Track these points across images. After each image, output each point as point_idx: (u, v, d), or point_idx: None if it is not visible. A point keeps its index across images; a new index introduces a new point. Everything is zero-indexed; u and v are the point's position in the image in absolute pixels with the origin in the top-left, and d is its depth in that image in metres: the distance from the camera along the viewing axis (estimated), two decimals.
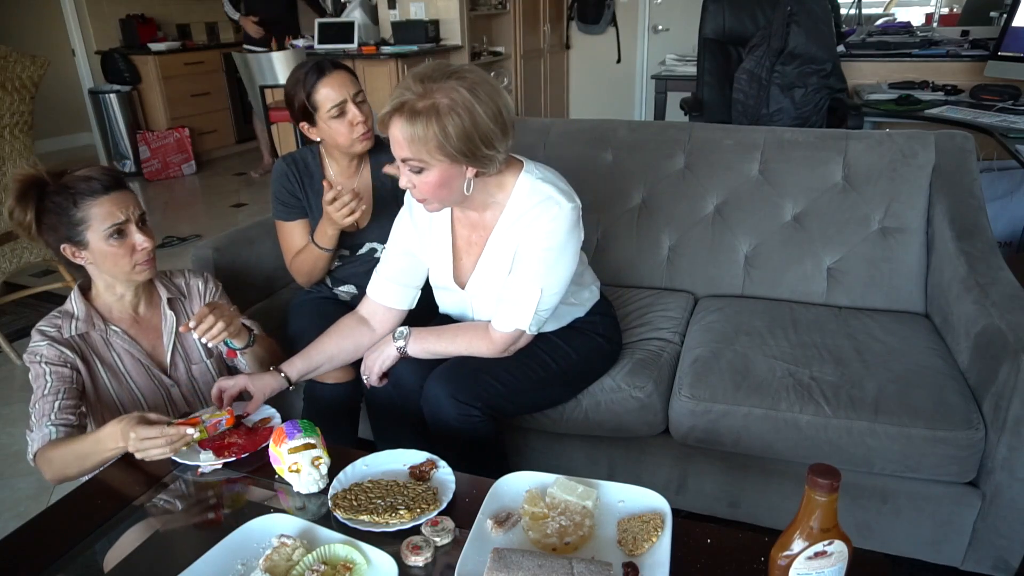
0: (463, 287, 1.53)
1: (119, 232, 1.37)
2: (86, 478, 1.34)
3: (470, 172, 1.32)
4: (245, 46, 5.25)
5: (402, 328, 1.51)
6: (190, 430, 1.23)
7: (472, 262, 1.50)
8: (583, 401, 1.62)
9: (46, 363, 1.37)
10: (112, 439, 1.23)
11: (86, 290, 1.47)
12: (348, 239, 1.79)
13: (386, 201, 1.80)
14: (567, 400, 1.62)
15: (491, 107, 1.27)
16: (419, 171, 1.30)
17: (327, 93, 1.64)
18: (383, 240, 1.80)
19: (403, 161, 1.30)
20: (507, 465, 1.53)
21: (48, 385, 1.35)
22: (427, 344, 1.50)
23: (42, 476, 1.34)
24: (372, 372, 1.52)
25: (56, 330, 1.40)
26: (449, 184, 1.32)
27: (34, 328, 1.40)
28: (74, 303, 1.44)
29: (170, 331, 1.53)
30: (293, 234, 1.80)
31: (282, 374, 1.47)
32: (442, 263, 1.53)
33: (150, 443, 1.20)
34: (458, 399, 1.42)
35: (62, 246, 1.38)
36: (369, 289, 1.58)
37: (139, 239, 1.39)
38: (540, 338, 1.52)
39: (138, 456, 1.21)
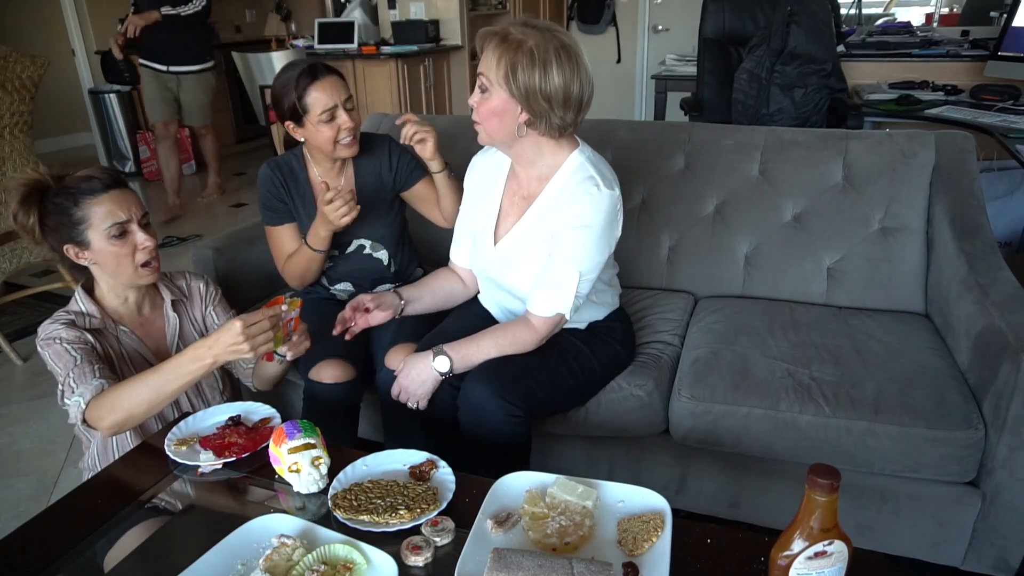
0: (495, 243, 1.57)
1: (121, 231, 1.37)
2: (106, 455, 1.33)
3: (522, 117, 1.40)
4: (141, 61, 4.40)
5: (442, 356, 1.46)
6: (283, 306, 1.35)
7: (510, 223, 1.55)
8: None
9: (67, 343, 1.35)
10: (195, 359, 1.28)
11: (90, 291, 1.47)
12: (336, 237, 1.79)
13: (370, 200, 1.80)
14: (580, 406, 1.62)
15: (566, 75, 1.35)
16: (484, 90, 1.40)
17: (319, 97, 1.64)
18: (370, 237, 1.81)
19: (478, 74, 1.41)
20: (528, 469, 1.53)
21: (78, 357, 1.34)
22: (470, 358, 1.47)
23: (94, 431, 1.34)
24: (420, 398, 1.49)
25: (70, 322, 1.40)
26: (501, 116, 1.40)
27: (43, 323, 1.39)
28: (81, 303, 1.44)
29: (173, 333, 1.53)
30: (282, 238, 1.81)
31: (398, 295, 1.64)
32: (487, 214, 1.60)
33: (257, 328, 1.27)
34: (505, 399, 1.40)
35: (65, 247, 1.38)
36: (451, 253, 1.73)
37: (141, 238, 1.39)
38: (568, 344, 1.54)
39: (247, 352, 1.26)
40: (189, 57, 4.32)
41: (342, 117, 1.67)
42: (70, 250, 1.39)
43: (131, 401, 1.28)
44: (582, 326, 1.61)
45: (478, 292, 1.73)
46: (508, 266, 1.55)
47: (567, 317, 1.47)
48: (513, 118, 1.40)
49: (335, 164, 1.79)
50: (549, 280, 1.44)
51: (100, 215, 1.35)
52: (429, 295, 1.69)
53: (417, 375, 1.48)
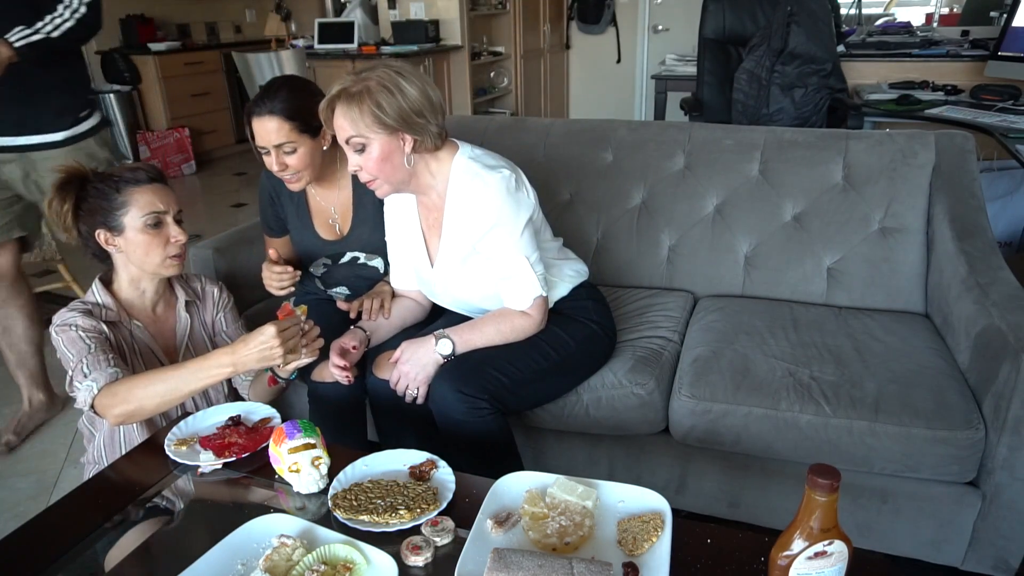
0: (432, 265, 1.62)
1: (156, 222, 1.42)
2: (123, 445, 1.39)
3: (408, 145, 1.42)
4: None
5: (444, 339, 1.50)
6: (300, 316, 1.39)
7: (436, 243, 1.59)
8: (584, 396, 1.62)
9: (82, 331, 1.37)
10: (218, 365, 1.31)
11: (107, 284, 1.49)
12: (329, 247, 1.81)
13: (367, 210, 1.78)
14: (568, 391, 1.62)
15: (417, 86, 1.41)
16: (362, 149, 1.41)
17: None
18: (364, 249, 1.80)
19: (347, 142, 1.42)
20: (521, 465, 1.53)
21: (92, 346, 1.36)
22: (472, 342, 1.52)
23: (97, 422, 1.36)
24: (420, 383, 1.50)
25: (87, 311, 1.41)
26: (391, 158, 1.42)
27: (59, 312, 1.41)
28: (98, 294, 1.46)
29: (183, 333, 1.55)
30: (272, 246, 1.89)
31: (362, 330, 1.62)
32: (415, 243, 1.64)
33: (289, 333, 1.31)
34: (464, 392, 1.42)
35: (97, 231, 1.42)
36: (393, 282, 1.73)
37: (174, 231, 1.44)
38: None
39: (278, 357, 1.30)
40: (51, 116, 2.04)
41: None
42: (101, 235, 1.42)
43: (145, 394, 1.30)
44: (550, 306, 1.61)
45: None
46: (453, 280, 1.60)
47: (545, 295, 1.53)
48: (400, 152, 1.43)
49: (331, 174, 1.78)
50: (508, 279, 1.50)
51: (141, 203, 1.40)
52: (385, 323, 1.68)
53: (418, 359, 1.50)
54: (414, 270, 1.68)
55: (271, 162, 1.62)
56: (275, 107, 1.56)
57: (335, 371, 1.50)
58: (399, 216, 1.66)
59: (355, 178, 1.79)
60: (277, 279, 1.70)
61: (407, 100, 1.38)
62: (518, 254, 1.47)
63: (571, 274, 1.67)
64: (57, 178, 1.41)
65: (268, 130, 1.57)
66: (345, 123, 1.39)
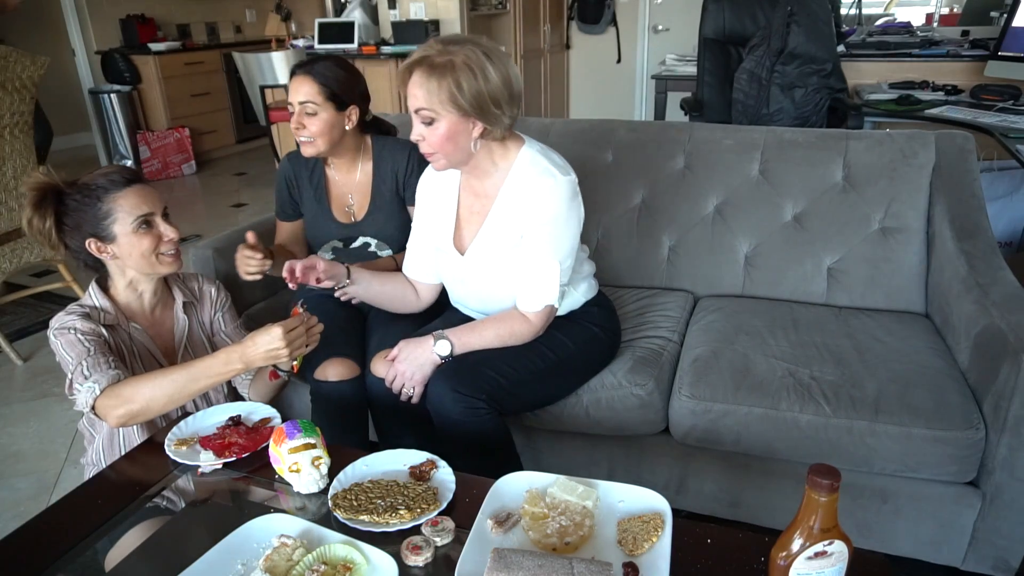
0: (462, 253, 1.57)
1: (146, 223, 1.40)
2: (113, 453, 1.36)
3: (476, 130, 1.40)
4: None
5: (443, 340, 1.49)
6: (301, 311, 1.39)
7: (473, 231, 1.55)
8: (584, 397, 1.62)
9: (81, 334, 1.36)
10: (226, 363, 1.31)
11: (104, 287, 1.48)
12: (342, 230, 1.81)
13: (384, 198, 1.80)
14: (567, 394, 1.62)
15: (502, 71, 1.36)
16: (430, 122, 1.38)
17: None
18: (377, 236, 1.81)
19: (416, 112, 1.38)
20: (520, 465, 1.53)
21: (92, 349, 1.35)
22: (470, 345, 1.51)
23: (98, 424, 1.34)
24: (417, 383, 1.49)
25: (85, 315, 1.41)
26: (456, 139, 1.39)
27: (57, 315, 1.40)
28: (95, 298, 1.45)
29: (181, 334, 1.54)
30: (282, 230, 1.94)
31: (347, 272, 1.57)
32: (444, 226, 1.59)
33: (295, 333, 1.32)
34: (461, 392, 1.42)
35: (88, 242, 1.40)
36: (404, 266, 1.70)
37: (166, 229, 1.43)
38: None
39: (284, 356, 1.30)
40: None
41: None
42: (92, 244, 1.40)
43: (152, 394, 1.29)
44: (561, 313, 1.61)
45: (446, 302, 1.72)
46: (483, 272, 1.56)
47: (556, 306, 1.51)
48: (467, 136, 1.40)
49: (352, 157, 1.80)
50: (532, 277, 1.47)
51: (126, 208, 1.38)
52: (377, 287, 1.64)
53: (415, 359, 1.49)
54: (436, 252, 1.63)
55: (293, 120, 1.68)
56: (312, 69, 1.67)
57: (287, 274, 1.47)
58: (435, 199, 1.61)
59: (375, 166, 1.81)
60: (245, 264, 1.63)
61: (488, 86, 1.34)
62: (552, 257, 1.45)
63: (585, 287, 1.65)
64: (31, 195, 1.36)
65: (297, 87, 1.66)
66: (419, 92, 1.35)
